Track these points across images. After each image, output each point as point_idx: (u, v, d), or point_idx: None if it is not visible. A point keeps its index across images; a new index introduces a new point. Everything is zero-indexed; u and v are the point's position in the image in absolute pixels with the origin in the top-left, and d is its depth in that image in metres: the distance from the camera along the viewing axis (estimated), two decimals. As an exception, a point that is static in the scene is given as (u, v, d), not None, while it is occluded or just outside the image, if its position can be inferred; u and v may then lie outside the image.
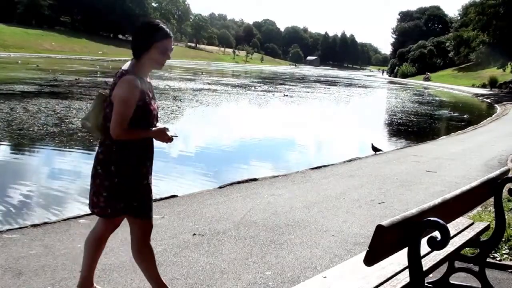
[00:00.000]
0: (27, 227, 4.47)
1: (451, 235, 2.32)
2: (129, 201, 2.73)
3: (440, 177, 7.44)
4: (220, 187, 6.43)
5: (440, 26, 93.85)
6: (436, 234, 2.02)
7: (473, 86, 46.88)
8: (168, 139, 2.79)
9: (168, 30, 2.68)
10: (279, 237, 4.40)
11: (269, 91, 29.74)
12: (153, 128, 2.74)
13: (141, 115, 2.66)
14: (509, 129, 15.45)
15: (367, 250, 1.94)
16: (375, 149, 10.12)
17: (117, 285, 3.28)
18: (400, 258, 2.23)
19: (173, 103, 18.63)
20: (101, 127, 2.73)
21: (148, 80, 2.80)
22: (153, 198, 5.70)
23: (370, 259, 1.97)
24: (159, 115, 2.87)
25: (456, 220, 3.09)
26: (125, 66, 2.70)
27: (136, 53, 2.68)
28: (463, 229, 3.13)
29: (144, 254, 2.87)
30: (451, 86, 49.49)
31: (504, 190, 3.21)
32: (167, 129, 2.79)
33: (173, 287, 3.30)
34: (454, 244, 2.81)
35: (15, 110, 13.33)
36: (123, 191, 2.71)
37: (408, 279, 2.20)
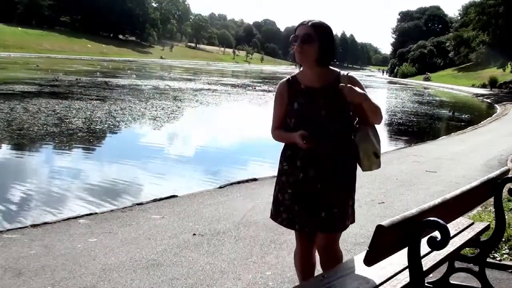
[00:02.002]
0: (27, 227, 4.48)
1: (451, 235, 2.31)
2: (287, 212, 2.64)
3: (440, 177, 7.44)
4: (220, 187, 6.43)
5: (440, 26, 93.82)
6: (436, 234, 2.02)
7: (473, 86, 46.88)
8: (302, 144, 2.48)
9: (299, 23, 2.56)
10: (279, 237, 4.40)
11: (269, 91, 29.73)
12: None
13: (288, 117, 2.63)
14: (509, 129, 15.44)
15: (367, 250, 1.94)
16: None
17: (117, 285, 3.28)
18: (400, 258, 2.23)
19: (173, 103, 18.63)
20: None
21: (316, 83, 2.58)
22: (154, 198, 5.76)
23: (370, 259, 1.97)
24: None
25: (456, 220, 3.09)
26: None
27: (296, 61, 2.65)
28: (463, 229, 3.13)
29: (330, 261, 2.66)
30: (451, 86, 49.48)
31: (504, 190, 3.20)
32: (302, 133, 2.48)
33: (173, 287, 3.30)
34: (454, 244, 2.81)
35: (15, 110, 13.32)
36: (277, 202, 2.68)
37: (408, 279, 2.20)
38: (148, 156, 9.52)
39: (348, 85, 2.47)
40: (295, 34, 2.54)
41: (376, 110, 2.56)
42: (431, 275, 3.01)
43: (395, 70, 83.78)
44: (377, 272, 2.37)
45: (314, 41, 2.49)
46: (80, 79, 26.74)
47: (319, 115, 2.53)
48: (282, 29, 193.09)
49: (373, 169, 2.65)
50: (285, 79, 2.66)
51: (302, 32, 2.51)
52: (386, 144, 12.70)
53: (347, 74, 2.61)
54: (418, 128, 17.34)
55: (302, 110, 2.57)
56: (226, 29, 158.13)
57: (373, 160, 2.60)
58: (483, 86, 45.37)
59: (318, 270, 2.84)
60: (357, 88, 2.46)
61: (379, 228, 1.90)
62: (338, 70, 2.64)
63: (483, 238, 3.29)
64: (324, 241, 2.65)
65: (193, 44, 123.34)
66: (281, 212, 2.67)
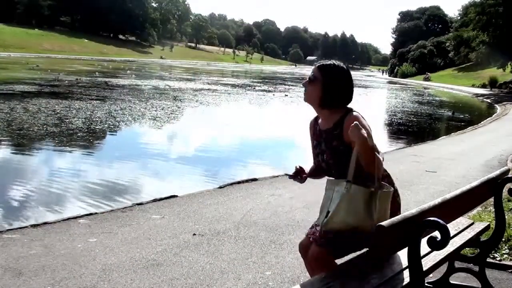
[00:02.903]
0: (27, 227, 4.47)
1: (451, 235, 2.31)
2: None
3: (440, 177, 7.44)
4: (220, 187, 6.43)
5: (440, 26, 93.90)
6: (436, 234, 2.02)
7: (473, 86, 46.89)
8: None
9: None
10: (279, 237, 4.40)
11: (269, 91, 29.75)
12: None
13: None
14: (509, 129, 15.44)
15: (367, 250, 1.94)
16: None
17: (117, 285, 3.28)
18: (400, 258, 2.23)
19: (173, 103, 18.64)
20: None
21: (324, 125, 2.55)
22: (154, 198, 5.76)
23: (370, 259, 1.97)
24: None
25: (456, 220, 3.09)
26: None
27: None
28: (463, 229, 3.13)
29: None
30: (451, 86, 49.49)
31: (504, 190, 3.20)
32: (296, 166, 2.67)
33: (173, 287, 3.30)
34: (454, 244, 2.81)
35: (15, 110, 13.33)
36: None
37: (408, 279, 2.20)
38: (148, 156, 9.52)
39: (354, 123, 2.31)
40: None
41: (371, 156, 2.28)
42: (431, 275, 3.01)
43: (395, 70, 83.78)
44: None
45: (317, 82, 2.49)
46: (80, 79, 26.75)
47: (322, 158, 2.56)
48: (282, 29, 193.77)
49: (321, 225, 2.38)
50: (314, 116, 2.66)
51: (311, 73, 2.53)
52: (386, 144, 12.71)
53: (353, 113, 2.46)
54: (418, 128, 17.34)
55: (313, 151, 2.63)
56: (226, 29, 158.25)
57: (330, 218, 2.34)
58: (483, 86, 45.37)
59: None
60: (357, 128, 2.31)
61: (379, 228, 1.90)
62: (348, 110, 2.50)
63: (483, 238, 3.29)
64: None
65: (193, 44, 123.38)
66: None
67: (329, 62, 2.53)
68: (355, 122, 2.31)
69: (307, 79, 2.53)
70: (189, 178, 8.06)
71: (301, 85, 2.56)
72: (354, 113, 2.46)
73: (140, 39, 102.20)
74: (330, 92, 2.47)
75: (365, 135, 2.27)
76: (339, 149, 2.45)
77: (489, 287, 3.19)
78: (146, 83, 28.62)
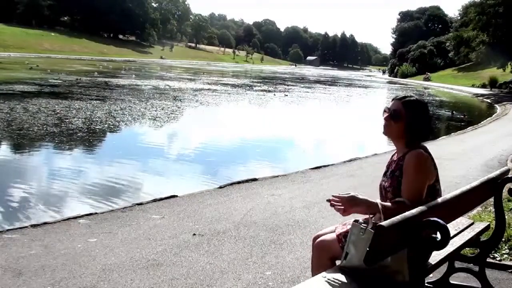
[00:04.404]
0: (27, 227, 4.47)
1: (451, 235, 2.31)
2: None
3: (440, 177, 7.42)
4: (220, 187, 6.43)
5: (440, 26, 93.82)
6: (436, 234, 2.02)
7: (473, 86, 46.84)
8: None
9: (394, 97, 2.59)
10: (279, 237, 4.40)
11: (269, 91, 29.74)
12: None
13: None
14: (509, 129, 15.44)
15: (367, 250, 1.94)
16: None
17: (117, 285, 3.28)
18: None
19: (173, 103, 18.63)
20: None
21: (396, 155, 2.61)
22: (154, 198, 5.77)
23: (370, 259, 1.97)
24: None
25: (456, 220, 3.09)
26: None
27: None
28: (463, 229, 3.12)
29: None
30: (451, 86, 49.47)
31: (504, 190, 3.19)
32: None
33: (173, 287, 3.30)
34: (454, 244, 2.81)
35: (15, 110, 13.33)
36: None
37: (408, 279, 2.20)
38: (148, 156, 9.52)
39: (349, 198, 2.43)
40: (388, 107, 2.55)
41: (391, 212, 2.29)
42: (431, 275, 3.01)
43: (395, 70, 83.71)
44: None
45: (401, 119, 2.49)
46: (80, 79, 26.75)
47: (384, 184, 2.59)
48: (282, 29, 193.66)
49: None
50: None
51: (393, 107, 2.52)
52: (386, 144, 12.71)
53: (416, 150, 2.47)
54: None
55: (382, 178, 2.65)
56: (226, 29, 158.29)
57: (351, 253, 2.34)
58: (483, 86, 45.32)
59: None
60: (358, 197, 2.43)
61: (379, 228, 1.90)
62: (416, 145, 2.52)
63: (483, 238, 3.29)
64: None
65: (193, 44, 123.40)
66: None
67: (412, 98, 2.54)
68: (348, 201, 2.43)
69: (388, 112, 2.52)
70: (189, 178, 8.06)
71: (383, 119, 2.55)
72: (417, 151, 2.47)
73: (140, 39, 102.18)
74: (412, 129, 2.49)
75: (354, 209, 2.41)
76: (398, 179, 2.49)
77: (489, 287, 3.19)
78: (146, 83, 28.61)
